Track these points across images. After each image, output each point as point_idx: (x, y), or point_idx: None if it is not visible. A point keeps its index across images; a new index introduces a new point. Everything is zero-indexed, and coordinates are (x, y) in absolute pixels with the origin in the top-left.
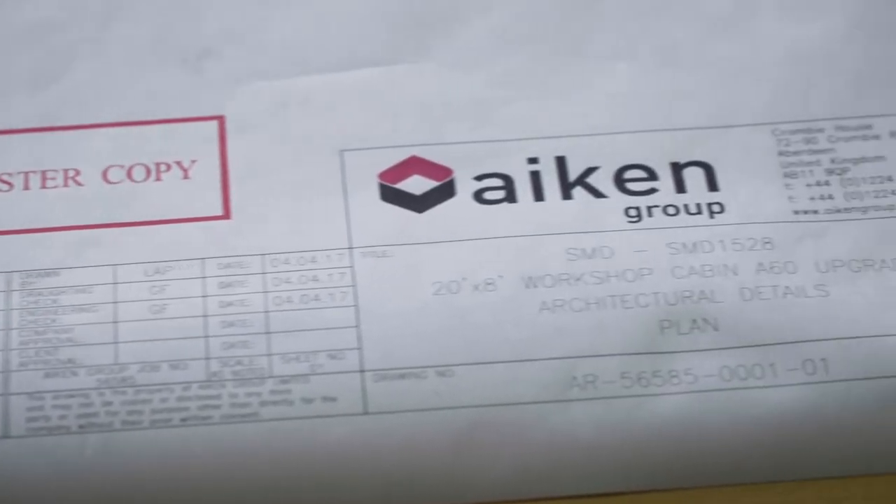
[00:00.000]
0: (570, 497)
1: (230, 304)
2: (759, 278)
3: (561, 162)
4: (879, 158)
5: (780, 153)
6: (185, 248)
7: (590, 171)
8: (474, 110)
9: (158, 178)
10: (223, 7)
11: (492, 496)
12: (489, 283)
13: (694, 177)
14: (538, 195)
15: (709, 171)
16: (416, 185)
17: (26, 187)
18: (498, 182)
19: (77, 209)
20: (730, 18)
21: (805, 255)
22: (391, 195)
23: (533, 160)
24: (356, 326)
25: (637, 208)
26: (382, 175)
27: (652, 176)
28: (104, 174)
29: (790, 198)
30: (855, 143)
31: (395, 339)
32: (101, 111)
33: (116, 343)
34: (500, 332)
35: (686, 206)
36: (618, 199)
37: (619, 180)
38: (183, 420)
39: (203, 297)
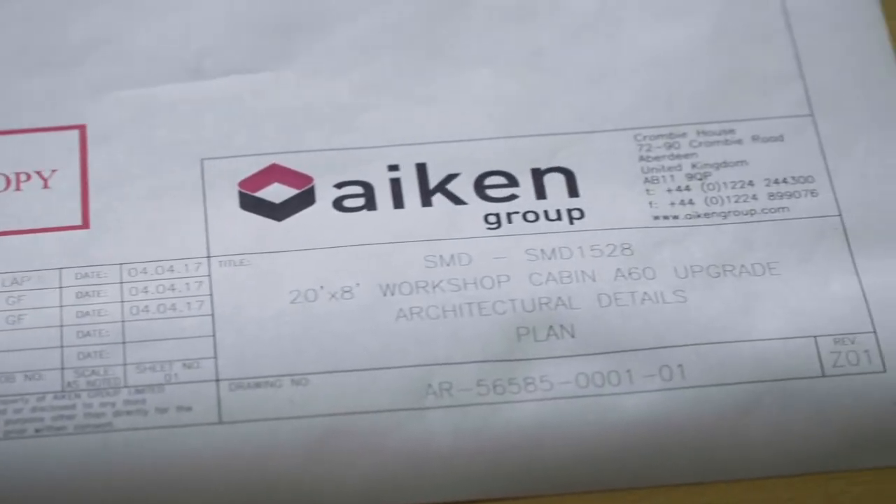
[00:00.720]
0: None
1: (87, 314)
2: (617, 284)
3: (421, 169)
4: (741, 163)
5: (642, 158)
6: (42, 258)
7: (450, 177)
8: (335, 117)
9: (18, 188)
10: (86, 16)
11: None
12: (346, 291)
13: (554, 183)
14: (398, 202)
15: (570, 176)
16: (276, 193)
17: None
18: (358, 189)
19: None
20: (594, 23)
21: (664, 260)
22: (251, 203)
23: (393, 167)
24: (212, 335)
25: (497, 215)
26: (242, 183)
27: (512, 182)
28: None
29: (650, 203)
30: (717, 147)
31: (251, 347)
32: None
33: None
34: (357, 340)
35: (546, 213)
36: (477, 206)
37: (480, 187)
38: (37, 431)
39: (59, 307)
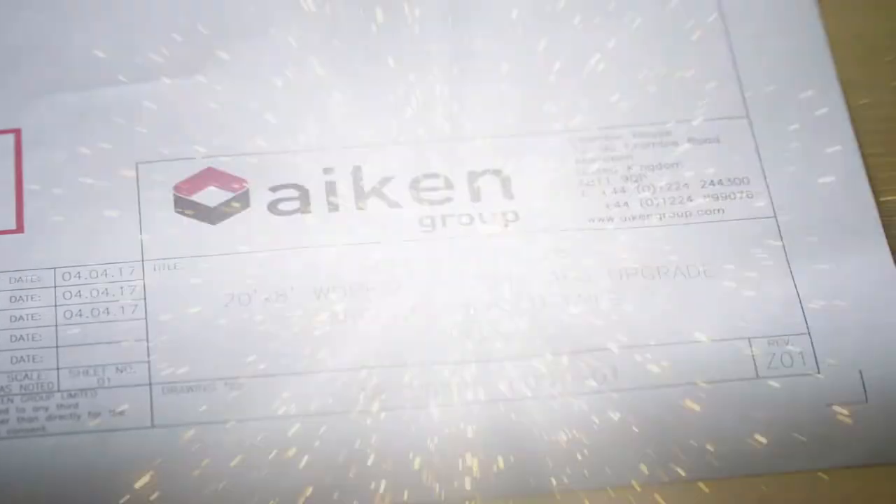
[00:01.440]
0: None
1: (20, 318)
2: (551, 287)
3: (357, 172)
4: (676, 165)
5: (578, 161)
6: None
7: (386, 180)
8: (271, 121)
9: None
10: (19, 20)
11: None
12: (280, 295)
13: (490, 185)
14: (333, 206)
15: (505, 179)
16: (211, 196)
17: None
18: (293, 193)
19: None
20: (531, 27)
21: (599, 263)
22: (185, 207)
23: (329, 170)
24: (145, 339)
25: (431, 218)
26: (178, 187)
27: (448, 185)
28: None
29: (586, 205)
30: (652, 149)
31: (184, 351)
32: None
33: None
34: (290, 344)
35: (481, 215)
36: (412, 209)
37: (415, 189)
38: None
39: None
